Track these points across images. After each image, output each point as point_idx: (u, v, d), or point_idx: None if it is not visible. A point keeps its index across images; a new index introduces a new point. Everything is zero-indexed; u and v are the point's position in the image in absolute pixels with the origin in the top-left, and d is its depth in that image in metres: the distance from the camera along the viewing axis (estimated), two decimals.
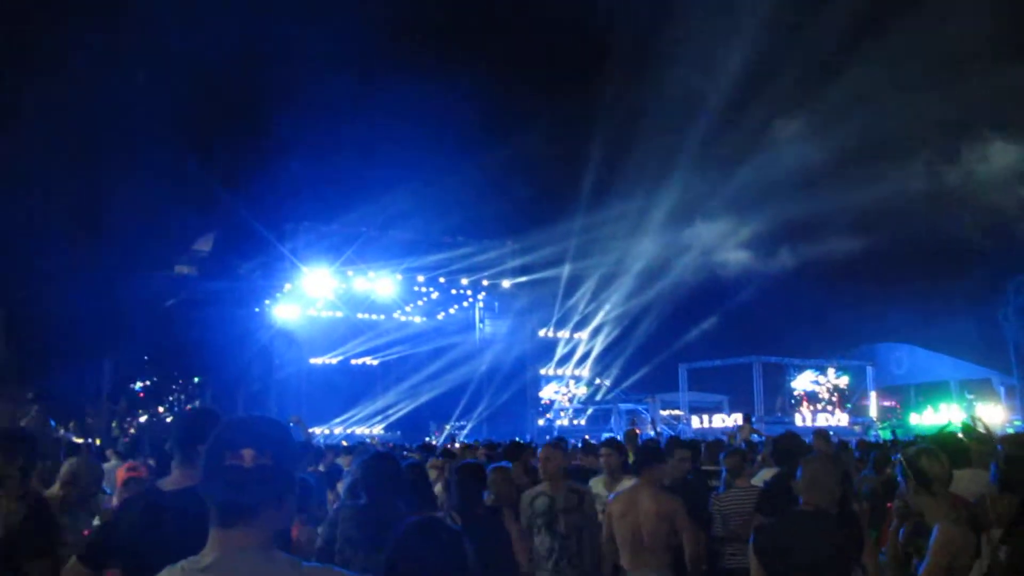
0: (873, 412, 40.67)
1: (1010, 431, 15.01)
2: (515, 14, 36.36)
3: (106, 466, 9.50)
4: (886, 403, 42.69)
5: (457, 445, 15.55)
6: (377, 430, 33.75)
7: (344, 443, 21.65)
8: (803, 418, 38.29)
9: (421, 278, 36.51)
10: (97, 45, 26.65)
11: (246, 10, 30.95)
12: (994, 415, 34.52)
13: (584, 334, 40.88)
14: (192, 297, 32.06)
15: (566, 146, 36.53)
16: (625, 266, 38.48)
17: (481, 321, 39.64)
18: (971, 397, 37.23)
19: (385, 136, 35.54)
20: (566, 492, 6.54)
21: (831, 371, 41.07)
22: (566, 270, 37.94)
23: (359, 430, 34.05)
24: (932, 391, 40.51)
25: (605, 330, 40.26)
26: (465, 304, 39.54)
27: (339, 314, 36.49)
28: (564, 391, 40.73)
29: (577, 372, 41.02)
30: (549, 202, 37.61)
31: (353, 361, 37.38)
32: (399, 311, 37.86)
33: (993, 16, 30.05)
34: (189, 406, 35.64)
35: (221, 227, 33.89)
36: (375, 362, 37.87)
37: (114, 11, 26.96)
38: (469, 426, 35.95)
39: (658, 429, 25.61)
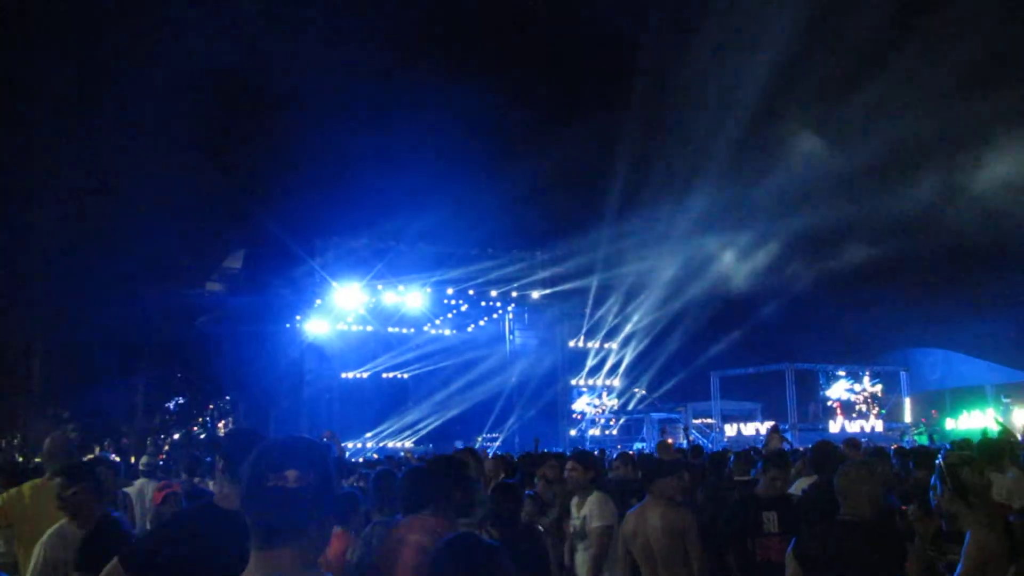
0: (908, 418, 40.24)
1: None
2: (544, 26, 36.43)
3: (130, 489, 9.54)
4: (921, 409, 42.28)
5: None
6: (408, 444, 33.76)
7: (375, 456, 21.75)
8: (837, 425, 37.99)
9: (451, 291, 36.55)
10: (128, 62, 26.97)
11: (275, 23, 31.24)
12: None
13: (614, 344, 40.77)
14: (223, 314, 32.30)
15: (595, 157, 36.44)
16: (655, 275, 38.36)
17: (511, 333, 39.64)
18: (1007, 401, 36.73)
19: (414, 149, 35.73)
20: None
21: (866, 379, 40.67)
22: (595, 280, 37.90)
23: (390, 444, 34.09)
24: (967, 396, 40.04)
25: (636, 339, 40.17)
26: (495, 316, 39.55)
27: (369, 328, 36.63)
28: (597, 403, 40.58)
29: (608, 382, 40.88)
30: (578, 213, 37.53)
31: (384, 375, 37.44)
32: (429, 324, 37.94)
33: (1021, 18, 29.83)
34: (222, 423, 35.90)
35: (251, 244, 34.13)
36: (406, 375, 37.90)
37: (143, 26, 27.28)
38: (501, 438, 35.92)
39: (691, 437, 25.42)
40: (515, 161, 35.60)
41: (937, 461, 4.71)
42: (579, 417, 39.82)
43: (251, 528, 2.06)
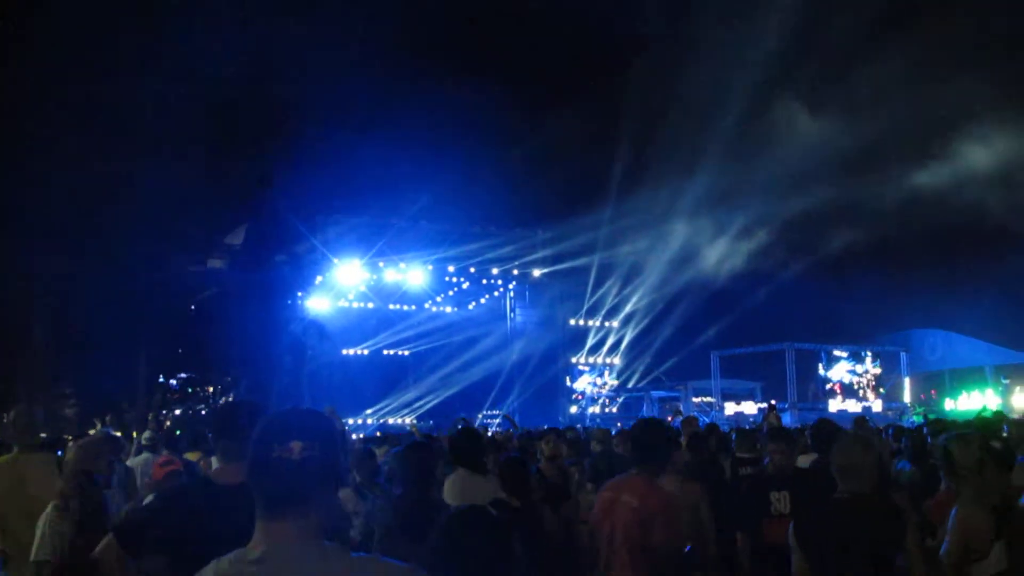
0: (907, 398, 40.32)
1: None
2: (545, 1, 36.19)
3: (131, 461, 9.57)
4: (921, 390, 42.33)
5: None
6: (409, 420, 33.84)
7: (378, 434, 21.77)
8: (837, 405, 38.09)
9: (452, 268, 36.57)
10: (127, 36, 26.85)
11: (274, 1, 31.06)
12: None
13: (615, 322, 40.82)
14: (224, 290, 32.27)
15: (596, 134, 36.33)
16: (656, 253, 38.37)
17: (512, 310, 39.67)
18: (1007, 382, 36.79)
19: (415, 127, 35.57)
20: None
21: (868, 360, 40.71)
22: (597, 258, 37.91)
23: (390, 420, 34.17)
24: (967, 376, 40.13)
25: (636, 318, 40.20)
26: (496, 294, 39.62)
27: (370, 305, 36.70)
28: (599, 382, 40.63)
29: (609, 360, 40.93)
30: (580, 190, 37.48)
31: (385, 352, 37.54)
32: (430, 301, 37.99)
33: None
34: (224, 399, 35.95)
35: (253, 220, 34.05)
36: (406, 352, 38.00)
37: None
38: (501, 415, 35.98)
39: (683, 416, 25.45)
40: (517, 139, 35.57)
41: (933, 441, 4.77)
42: (579, 397, 39.89)
43: (256, 499, 2.07)
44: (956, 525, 4.23)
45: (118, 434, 12.48)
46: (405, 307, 37.51)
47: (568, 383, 39.72)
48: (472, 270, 37.17)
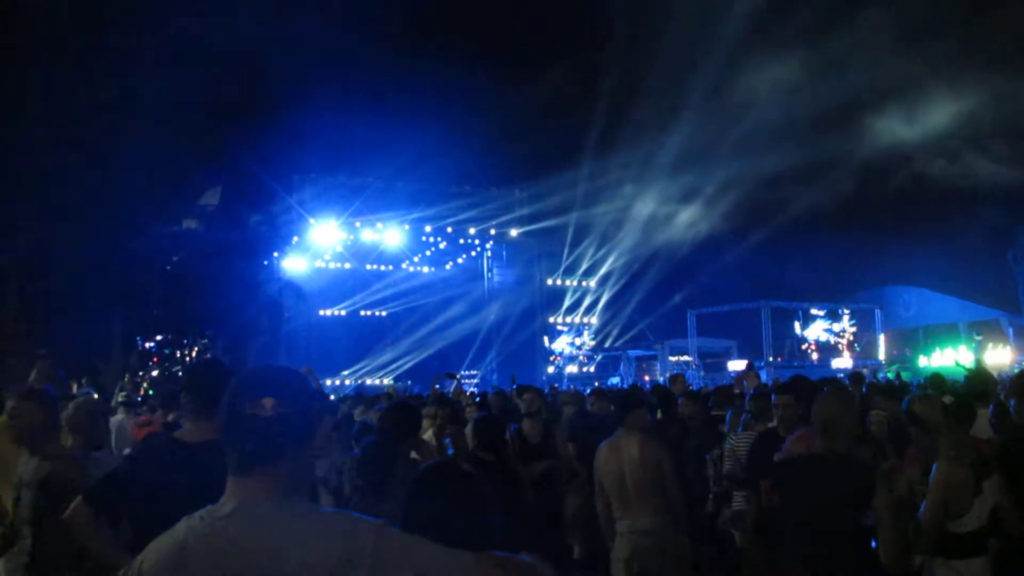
0: (882, 355, 40.68)
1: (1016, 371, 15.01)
2: None
3: (113, 420, 9.54)
4: (895, 346, 42.72)
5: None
6: (387, 381, 33.89)
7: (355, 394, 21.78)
8: (813, 361, 38.47)
9: (429, 228, 36.51)
10: (99, 2, 26.47)
11: None
12: (1002, 356, 34.59)
13: (593, 282, 40.91)
14: (200, 251, 32.06)
15: (573, 94, 36.27)
16: (633, 213, 38.43)
17: (489, 270, 39.69)
18: (979, 338, 37.16)
19: (392, 86, 35.33)
20: None
21: (845, 319, 41.04)
22: (574, 218, 37.93)
23: (368, 381, 34.18)
24: (941, 333, 40.53)
25: (614, 277, 40.31)
26: (473, 254, 39.59)
27: (347, 265, 36.59)
28: (578, 342, 40.77)
29: (586, 320, 41.06)
30: (557, 150, 37.32)
31: (362, 312, 37.45)
32: (407, 262, 37.91)
33: None
34: (200, 360, 35.84)
35: (228, 180, 33.79)
36: (384, 313, 37.92)
37: None
38: (479, 375, 36.09)
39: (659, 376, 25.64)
40: (494, 98, 35.37)
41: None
42: (557, 359, 40.02)
43: (228, 455, 2.05)
44: (936, 482, 4.23)
45: (95, 395, 12.43)
46: (382, 267, 37.42)
47: (547, 343, 39.83)
48: (449, 230, 37.10)
